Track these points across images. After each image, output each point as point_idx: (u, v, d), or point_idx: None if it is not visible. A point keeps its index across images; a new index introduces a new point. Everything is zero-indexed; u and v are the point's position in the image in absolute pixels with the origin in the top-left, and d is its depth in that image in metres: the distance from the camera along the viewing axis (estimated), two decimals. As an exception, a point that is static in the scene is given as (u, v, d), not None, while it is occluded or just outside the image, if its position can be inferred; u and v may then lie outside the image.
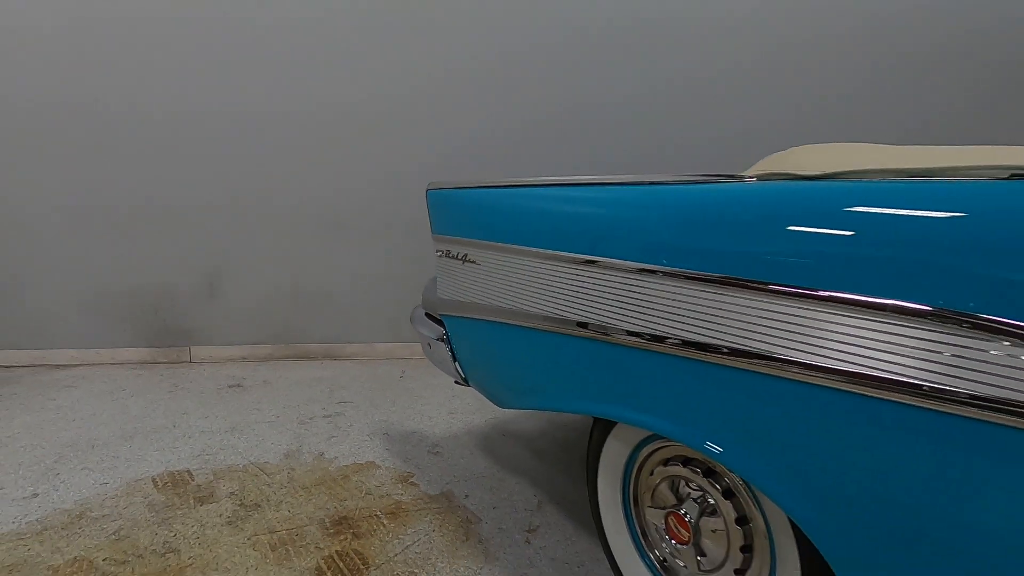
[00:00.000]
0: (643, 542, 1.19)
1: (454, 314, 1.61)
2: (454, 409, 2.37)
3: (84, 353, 3.04)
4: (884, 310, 0.64)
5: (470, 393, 2.51)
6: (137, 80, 2.82)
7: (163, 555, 1.41)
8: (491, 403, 1.56)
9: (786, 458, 0.78)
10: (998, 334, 0.56)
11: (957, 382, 0.58)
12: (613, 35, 2.85)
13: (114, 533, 1.50)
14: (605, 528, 1.26)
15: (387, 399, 2.50)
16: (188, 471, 1.84)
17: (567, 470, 1.85)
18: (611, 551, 1.25)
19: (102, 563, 1.37)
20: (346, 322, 3.11)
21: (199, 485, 1.75)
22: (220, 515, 1.58)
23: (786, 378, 0.74)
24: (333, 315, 3.11)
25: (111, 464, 1.89)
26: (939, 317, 0.60)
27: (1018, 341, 0.55)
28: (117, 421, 2.26)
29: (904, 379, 0.62)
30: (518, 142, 2.92)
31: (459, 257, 1.55)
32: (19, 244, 2.94)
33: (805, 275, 0.72)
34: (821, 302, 0.69)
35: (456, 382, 1.71)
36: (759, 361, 0.77)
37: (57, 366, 3.01)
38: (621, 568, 1.22)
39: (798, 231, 0.74)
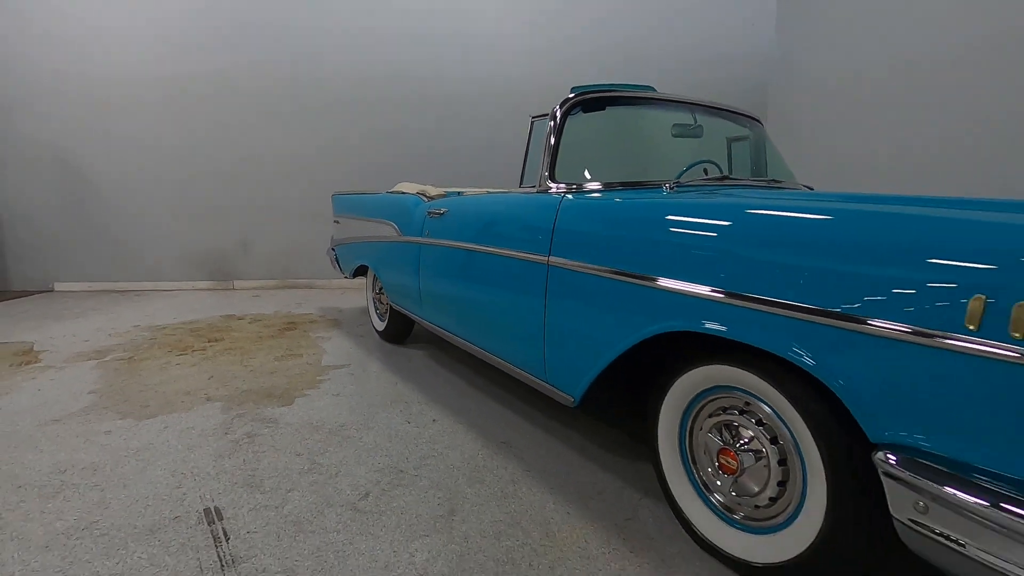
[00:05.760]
0: (375, 305, 3.67)
1: (337, 245, 4.11)
2: (354, 304, 4.87)
3: (177, 284, 5.63)
4: (373, 220, 3.12)
5: (361, 296, 5.01)
6: (207, 132, 5.40)
7: (226, 326, 3.93)
8: (349, 279, 4.03)
9: (382, 267, 3.25)
10: (380, 224, 3.04)
11: (387, 234, 3.06)
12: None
13: (206, 324, 4.03)
14: (370, 314, 3.74)
15: (329, 301, 5.01)
16: (234, 314, 4.38)
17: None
18: (370, 317, 3.73)
19: (204, 330, 3.90)
20: (318, 268, 5.63)
21: (238, 317, 4.29)
22: (246, 322, 4.10)
23: (380, 242, 3.21)
24: (311, 264, 5.64)
25: (202, 313, 4.44)
26: (382, 221, 3.09)
27: (388, 225, 3.02)
28: (200, 307, 4.82)
29: (383, 235, 3.09)
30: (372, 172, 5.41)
31: (337, 222, 4.06)
32: (143, 226, 5.54)
33: (374, 213, 3.21)
34: (369, 221, 3.18)
35: (344, 276, 4.19)
36: (377, 238, 3.25)
37: (163, 291, 5.60)
38: (372, 315, 3.70)
39: (373, 204, 3.24)
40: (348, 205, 3.83)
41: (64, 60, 5.17)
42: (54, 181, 5.35)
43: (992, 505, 0.84)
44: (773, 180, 2.19)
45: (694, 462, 1.45)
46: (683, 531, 1.49)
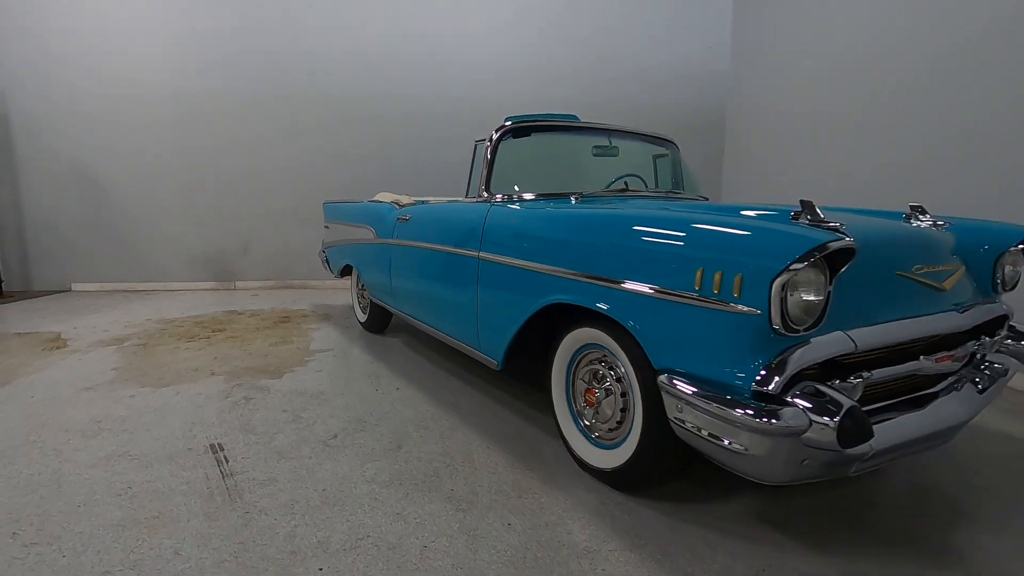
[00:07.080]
0: (359, 300, 4.16)
1: (327, 247, 4.62)
2: (343, 302, 5.37)
3: (183, 284, 6.14)
4: (356, 224, 3.62)
5: (347, 296, 5.52)
6: (211, 145, 5.93)
7: (227, 319, 4.43)
8: (338, 280, 4.53)
9: (363, 265, 3.75)
10: (361, 229, 3.55)
11: (366, 237, 3.57)
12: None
13: (210, 318, 4.54)
14: (354, 308, 4.23)
15: (322, 299, 5.51)
16: (236, 310, 4.88)
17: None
18: (354, 311, 4.22)
19: (208, 322, 4.40)
20: (311, 270, 6.13)
21: (239, 313, 4.79)
22: (246, 316, 4.60)
23: (360, 244, 3.72)
24: (305, 266, 6.15)
25: (206, 309, 4.94)
26: (362, 226, 3.59)
27: (367, 229, 3.52)
28: (205, 304, 5.32)
29: (364, 238, 3.59)
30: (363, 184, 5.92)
31: (327, 227, 4.57)
32: (153, 231, 6.06)
33: (356, 219, 3.72)
34: (352, 225, 3.69)
35: (334, 276, 4.69)
36: (359, 240, 3.76)
37: (171, 290, 6.11)
38: (355, 309, 4.20)
39: (356, 211, 3.75)
40: (336, 212, 4.34)
41: (81, 79, 5.71)
42: (72, 191, 5.88)
43: (712, 401, 1.32)
44: (671, 192, 2.69)
45: (574, 399, 1.94)
46: (569, 457, 1.98)
